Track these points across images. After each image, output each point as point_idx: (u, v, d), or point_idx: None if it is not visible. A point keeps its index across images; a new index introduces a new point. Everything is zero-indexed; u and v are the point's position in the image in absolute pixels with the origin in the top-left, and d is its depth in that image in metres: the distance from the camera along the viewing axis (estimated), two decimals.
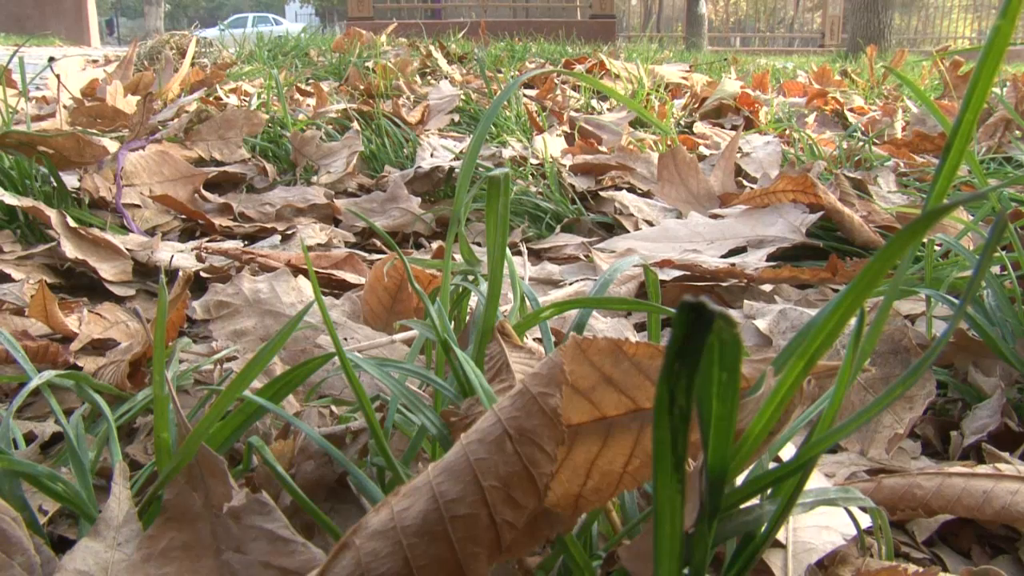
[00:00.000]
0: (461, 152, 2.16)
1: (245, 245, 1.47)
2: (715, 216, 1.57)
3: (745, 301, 1.13)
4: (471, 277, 0.73)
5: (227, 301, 1.03)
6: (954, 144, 0.39)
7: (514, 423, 0.40)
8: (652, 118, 0.63)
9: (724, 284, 1.26)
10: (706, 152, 2.34)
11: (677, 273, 1.26)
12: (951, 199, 0.29)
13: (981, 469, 0.69)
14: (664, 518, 0.34)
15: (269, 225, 1.65)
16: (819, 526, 0.60)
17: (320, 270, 1.29)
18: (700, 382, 0.31)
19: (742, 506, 0.42)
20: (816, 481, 0.68)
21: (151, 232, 1.60)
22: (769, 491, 0.43)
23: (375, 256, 1.42)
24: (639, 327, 1.11)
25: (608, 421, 0.45)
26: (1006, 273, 0.99)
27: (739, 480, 0.40)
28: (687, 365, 0.30)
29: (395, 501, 0.40)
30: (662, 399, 0.31)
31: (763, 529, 0.42)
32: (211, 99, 2.75)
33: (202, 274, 1.31)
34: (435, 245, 1.53)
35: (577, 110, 2.91)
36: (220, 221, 1.66)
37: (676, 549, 0.35)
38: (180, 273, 0.94)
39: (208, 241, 1.55)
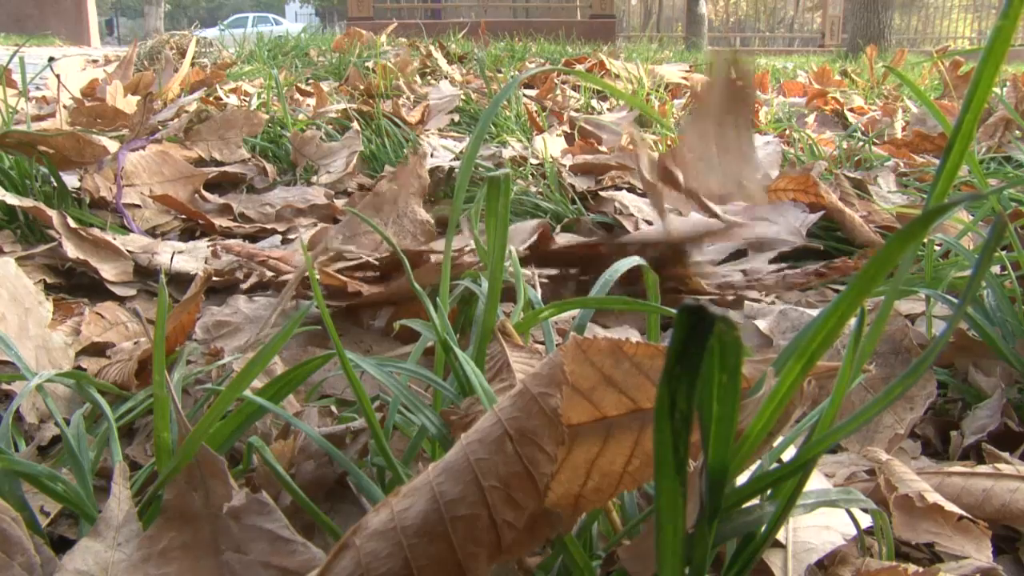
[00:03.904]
0: (461, 152, 2.16)
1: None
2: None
3: (746, 302, 1.13)
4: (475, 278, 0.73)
5: (226, 320, 1.04)
6: (955, 145, 0.39)
7: (514, 423, 0.40)
8: (654, 113, 0.63)
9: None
10: None
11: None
12: (951, 198, 0.29)
13: (981, 469, 0.69)
14: (666, 520, 0.34)
15: (269, 226, 1.65)
16: (819, 526, 0.60)
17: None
18: (701, 384, 0.31)
19: (743, 507, 0.42)
20: (817, 481, 0.68)
21: (151, 232, 1.60)
22: (769, 491, 0.43)
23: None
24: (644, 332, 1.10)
25: (608, 421, 0.45)
26: (1006, 273, 0.99)
27: (740, 480, 0.40)
28: (688, 369, 0.30)
29: (395, 501, 0.40)
30: (663, 403, 0.31)
31: (763, 529, 0.42)
32: (211, 99, 2.75)
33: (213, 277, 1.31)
34: (435, 245, 1.53)
35: (577, 110, 2.91)
36: (220, 221, 1.66)
37: (679, 550, 0.35)
38: (200, 273, 0.94)
39: (210, 242, 1.55)
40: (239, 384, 0.54)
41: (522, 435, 0.40)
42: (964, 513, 0.64)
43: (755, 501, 0.42)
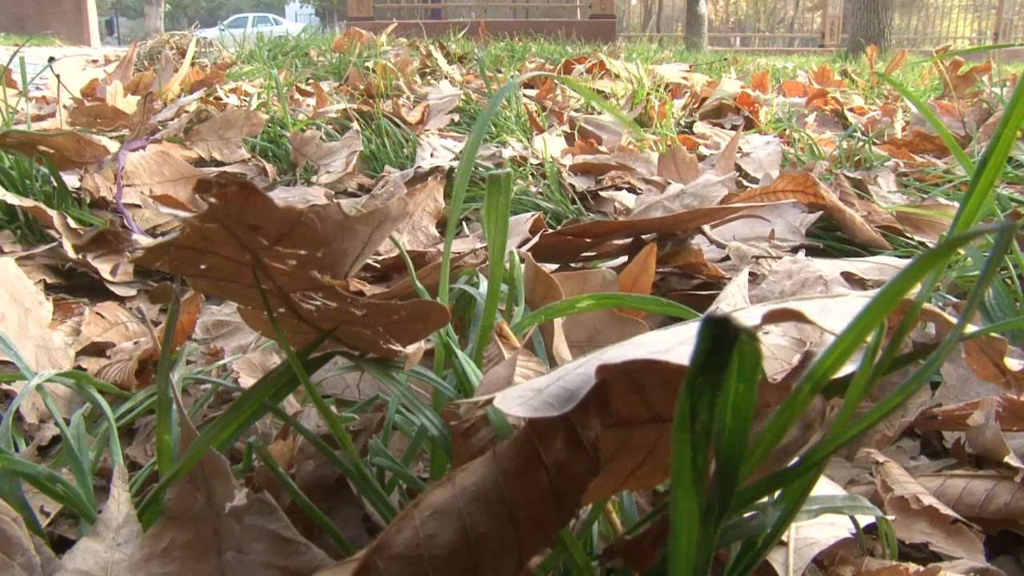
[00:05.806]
0: (461, 152, 2.16)
1: None
2: None
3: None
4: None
5: (226, 320, 1.04)
6: (986, 168, 0.39)
7: (552, 455, 0.40)
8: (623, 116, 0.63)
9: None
10: (706, 152, 2.34)
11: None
12: (956, 200, 0.29)
13: (982, 471, 0.69)
14: (682, 530, 0.34)
15: None
16: (821, 522, 0.60)
17: None
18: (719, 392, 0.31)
19: (747, 514, 0.42)
20: (823, 486, 0.68)
21: (151, 232, 1.60)
22: (776, 494, 0.43)
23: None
24: None
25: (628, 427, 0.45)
26: (1006, 271, 0.99)
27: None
28: (710, 381, 0.30)
29: (420, 522, 0.39)
30: (684, 414, 0.31)
31: (768, 532, 0.42)
32: (211, 99, 2.75)
33: None
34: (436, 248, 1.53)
35: (577, 110, 2.91)
36: None
37: (693, 559, 0.35)
38: None
39: None
40: (248, 399, 0.54)
41: (559, 468, 0.40)
42: (958, 516, 0.64)
43: (763, 501, 0.42)
